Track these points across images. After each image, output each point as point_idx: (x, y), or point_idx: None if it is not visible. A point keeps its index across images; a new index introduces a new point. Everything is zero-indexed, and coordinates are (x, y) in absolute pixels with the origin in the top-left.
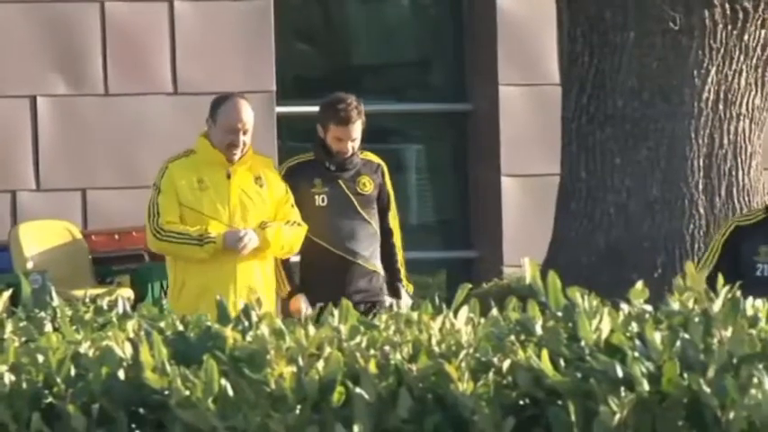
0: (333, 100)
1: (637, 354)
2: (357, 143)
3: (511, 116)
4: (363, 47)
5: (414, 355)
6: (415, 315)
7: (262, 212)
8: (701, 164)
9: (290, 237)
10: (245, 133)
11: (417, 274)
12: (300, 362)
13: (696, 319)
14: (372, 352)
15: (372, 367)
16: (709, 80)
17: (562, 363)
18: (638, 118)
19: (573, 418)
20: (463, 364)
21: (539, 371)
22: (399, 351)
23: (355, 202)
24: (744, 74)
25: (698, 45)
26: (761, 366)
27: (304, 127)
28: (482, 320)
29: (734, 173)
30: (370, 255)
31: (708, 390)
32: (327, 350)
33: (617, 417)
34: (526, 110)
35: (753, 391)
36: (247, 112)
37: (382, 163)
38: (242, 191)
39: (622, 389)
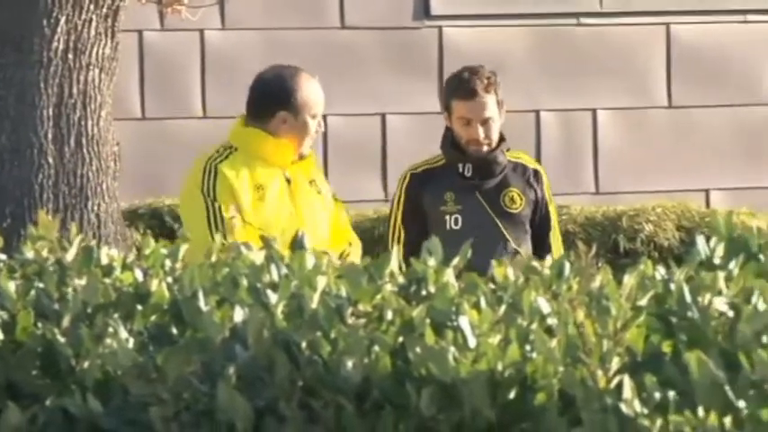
0: (456, 72)
1: None
2: (494, 131)
3: None
4: None
5: None
6: None
7: (324, 226)
8: (51, 113)
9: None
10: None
11: None
12: None
13: (51, 268)
14: None
15: None
16: (59, 29)
17: None
18: None
19: None
20: None
21: None
22: None
23: (500, 226)
24: (94, 23)
25: None
26: (115, 316)
27: None
28: None
29: (83, 122)
30: None
31: (62, 339)
32: None
33: None
34: None
35: (108, 341)
36: None
37: (540, 168)
38: (305, 199)
39: None
